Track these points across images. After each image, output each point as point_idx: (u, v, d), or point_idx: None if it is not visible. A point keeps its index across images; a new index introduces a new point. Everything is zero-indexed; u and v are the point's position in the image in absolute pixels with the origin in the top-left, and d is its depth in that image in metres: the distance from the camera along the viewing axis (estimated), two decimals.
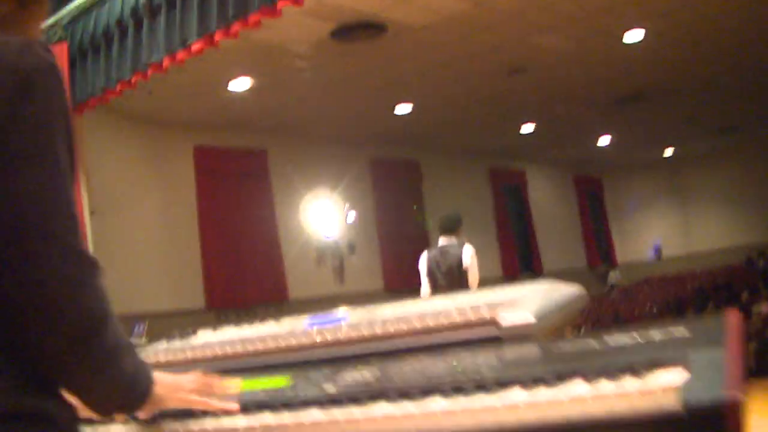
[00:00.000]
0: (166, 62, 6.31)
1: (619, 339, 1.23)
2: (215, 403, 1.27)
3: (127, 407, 1.16)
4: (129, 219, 10.60)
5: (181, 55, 6.12)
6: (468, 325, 1.46)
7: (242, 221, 12.64)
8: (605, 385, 0.99)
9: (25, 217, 0.92)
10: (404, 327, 1.52)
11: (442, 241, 5.39)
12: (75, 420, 1.08)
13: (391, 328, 1.53)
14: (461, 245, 5.25)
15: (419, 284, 5.33)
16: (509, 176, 17.35)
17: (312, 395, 1.28)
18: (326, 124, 12.71)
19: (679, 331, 1.19)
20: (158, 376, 1.20)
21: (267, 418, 1.23)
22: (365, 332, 1.56)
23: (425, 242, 15.07)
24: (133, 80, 6.77)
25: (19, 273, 0.92)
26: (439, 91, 11.32)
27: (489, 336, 1.42)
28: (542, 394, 1.01)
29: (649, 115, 13.66)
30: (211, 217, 12.26)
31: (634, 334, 1.22)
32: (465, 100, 11.85)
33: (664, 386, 0.94)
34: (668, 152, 19.34)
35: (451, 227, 5.38)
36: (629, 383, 0.98)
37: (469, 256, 5.20)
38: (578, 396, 0.98)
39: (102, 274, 1.03)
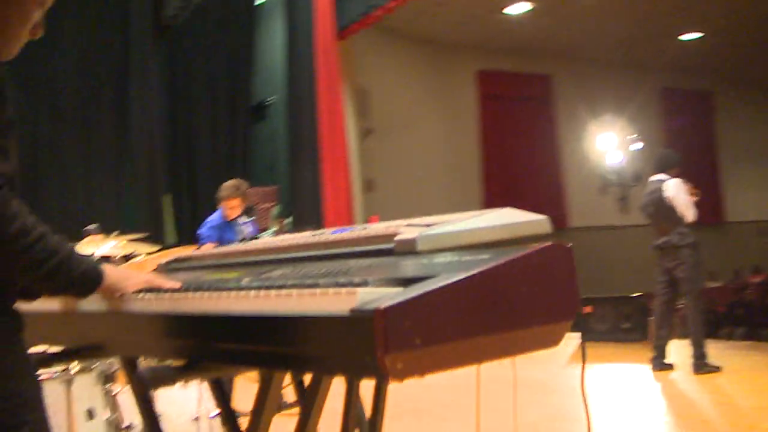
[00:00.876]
0: None
1: (438, 257, 1.32)
2: (160, 283, 1.54)
3: (81, 296, 1.48)
4: (408, 138, 11.34)
5: None
6: (376, 239, 1.61)
7: (524, 147, 12.73)
8: (328, 289, 1.13)
9: None
10: (338, 238, 1.72)
11: (652, 178, 5.15)
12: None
13: (330, 239, 1.74)
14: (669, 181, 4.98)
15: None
16: None
17: (230, 285, 1.57)
18: (610, 49, 12.07)
19: (482, 254, 1.24)
20: (111, 271, 1.49)
21: (187, 295, 1.52)
22: (316, 240, 1.79)
23: (714, 174, 13.71)
24: (391, 5, 7.21)
25: None
26: (730, 16, 10.06)
27: (386, 249, 1.55)
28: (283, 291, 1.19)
29: None
30: (492, 142, 12.54)
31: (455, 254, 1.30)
32: (761, 25, 10.36)
33: (349, 291, 1.06)
34: None
35: (662, 166, 5.13)
36: (341, 289, 1.10)
37: (671, 187, 4.91)
38: (288, 293, 1.15)
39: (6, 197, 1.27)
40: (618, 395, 4.47)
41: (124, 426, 3.16)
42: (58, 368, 3.00)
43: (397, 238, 1.53)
